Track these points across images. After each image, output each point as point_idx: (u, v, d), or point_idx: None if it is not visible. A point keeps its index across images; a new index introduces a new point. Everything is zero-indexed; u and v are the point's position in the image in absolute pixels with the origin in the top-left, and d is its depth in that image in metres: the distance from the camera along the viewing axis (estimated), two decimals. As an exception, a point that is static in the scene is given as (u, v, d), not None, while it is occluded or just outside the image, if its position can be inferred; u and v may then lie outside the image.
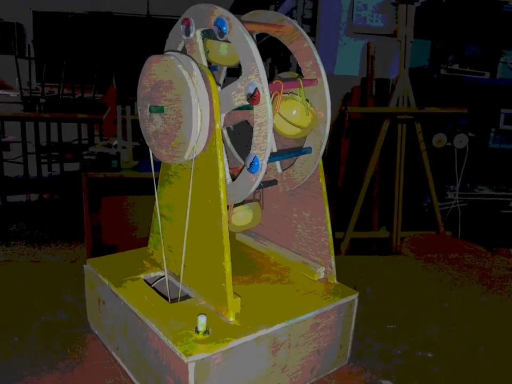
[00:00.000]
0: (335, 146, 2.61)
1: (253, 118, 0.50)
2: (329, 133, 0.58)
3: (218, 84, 0.60)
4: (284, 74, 0.66)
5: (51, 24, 5.20)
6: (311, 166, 0.57)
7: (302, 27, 0.63)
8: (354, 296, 0.55)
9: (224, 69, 0.68)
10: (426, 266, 0.97)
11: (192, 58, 0.53)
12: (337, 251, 0.67)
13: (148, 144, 0.59)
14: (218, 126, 0.51)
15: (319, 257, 0.58)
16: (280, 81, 0.54)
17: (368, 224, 2.47)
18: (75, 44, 5.00)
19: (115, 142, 2.22)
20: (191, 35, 0.54)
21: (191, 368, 0.42)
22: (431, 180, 2.21)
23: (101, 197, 2.07)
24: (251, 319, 0.47)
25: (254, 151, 0.50)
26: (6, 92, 4.56)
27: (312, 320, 0.51)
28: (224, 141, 0.66)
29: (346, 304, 0.54)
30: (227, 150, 0.68)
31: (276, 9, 3.67)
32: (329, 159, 2.60)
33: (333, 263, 0.57)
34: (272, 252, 0.64)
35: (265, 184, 0.61)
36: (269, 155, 0.50)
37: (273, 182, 0.62)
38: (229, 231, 0.50)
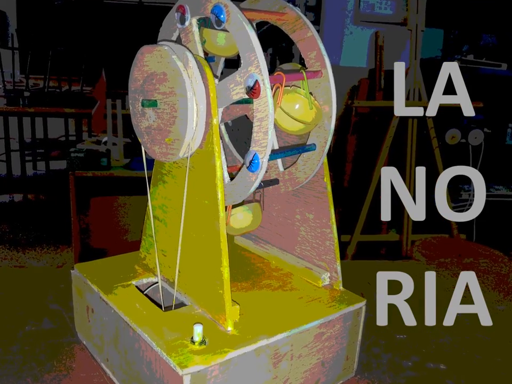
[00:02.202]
0: (340, 143, 2.61)
1: (253, 112, 0.50)
2: (335, 129, 0.59)
3: (215, 76, 0.60)
4: (286, 66, 0.66)
5: (36, 12, 5.20)
6: (315, 164, 0.57)
7: (306, 15, 0.63)
8: (362, 304, 0.56)
9: (222, 60, 0.68)
10: (439, 272, 0.97)
11: (188, 49, 0.53)
12: (343, 255, 0.67)
13: (140, 140, 0.59)
14: (215, 121, 0.51)
15: (323, 262, 0.59)
16: (282, 73, 0.54)
17: (377, 227, 2.47)
18: (62, 33, 5.00)
19: (105, 139, 2.22)
20: (187, 23, 0.54)
21: (187, 381, 0.42)
22: (444, 179, 2.21)
23: (89, 197, 2.07)
24: (251, 329, 0.48)
25: (254, 148, 0.50)
26: (-13, 85, 4.57)
27: (316, 330, 0.51)
28: (221, 137, 0.66)
29: (353, 313, 0.55)
30: (225, 147, 0.68)
31: (277, -4, 3.67)
32: (335, 156, 2.60)
33: (339, 268, 0.58)
34: (273, 256, 0.64)
35: (266, 183, 0.62)
36: (269, 152, 0.50)
37: (275, 182, 0.63)
38: (227, 234, 0.50)
